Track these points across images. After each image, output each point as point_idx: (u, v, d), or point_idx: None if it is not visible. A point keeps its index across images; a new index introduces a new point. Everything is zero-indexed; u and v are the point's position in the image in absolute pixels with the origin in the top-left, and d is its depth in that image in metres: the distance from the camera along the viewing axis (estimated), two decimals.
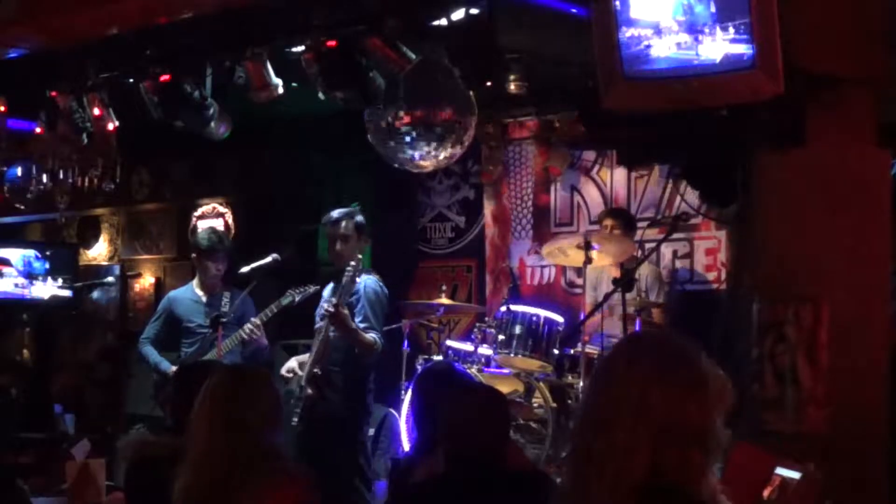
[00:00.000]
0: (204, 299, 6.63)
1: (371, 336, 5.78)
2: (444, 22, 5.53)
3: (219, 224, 9.09)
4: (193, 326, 6.58)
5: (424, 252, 8.49)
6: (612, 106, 4.26)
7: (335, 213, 6.08)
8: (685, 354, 2.06)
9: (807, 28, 3.98)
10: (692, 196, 6.28)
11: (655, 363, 2.03)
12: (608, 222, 6.65)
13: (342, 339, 5.83)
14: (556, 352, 6.40)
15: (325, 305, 5.83)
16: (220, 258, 6.64)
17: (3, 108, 7.17)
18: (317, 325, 6.01)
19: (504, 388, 6.32)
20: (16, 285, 9.44)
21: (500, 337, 6.42)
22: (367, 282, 5.94)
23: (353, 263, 5.76)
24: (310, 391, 5.82)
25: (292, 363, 6.08)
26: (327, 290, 6.14)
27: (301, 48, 5.82)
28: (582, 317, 6.23)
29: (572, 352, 6.41)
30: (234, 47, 6.09)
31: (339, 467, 5.85)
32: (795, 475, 3.36)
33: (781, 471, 3.38)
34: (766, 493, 3.34)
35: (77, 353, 10.08)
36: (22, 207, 8.62)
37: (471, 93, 5.86)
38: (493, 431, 3.41)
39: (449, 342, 6.95)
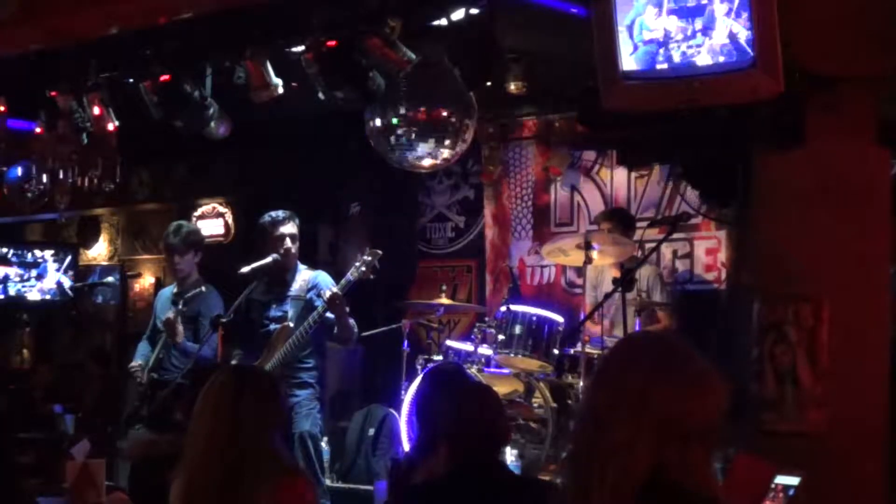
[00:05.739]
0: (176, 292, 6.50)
1: (352, 320, 6.00)
2: (444, 22, 5.53)
3: (219, 224, 9.08)
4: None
5: (424, 252, 8.49)
6: (612, 106, 4.26)
7: (280, 213, 6.10)
8: (683, 352, 2.06)
9: (807, 28, 3.98)
10: (692, 196, 6.28)
11: (654, 361, 2.03)
12: (605, 225, 6.62)
13: (305, 338, 5.86)
14: (556, 352, 6.40)
15: (327, 292, 5.79)
16: (172, 251, 6.50)
17: (3, 108, 7.16)
18: (271, 327, 6.02)
19: (504, 388, 6.34)
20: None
21: (500, 337, 6.41)
22: (325, 276, 6.10)
23: (367, 257, 5.79)
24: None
25: None
26: (258, 292, 6.15)
27: (301, 48, 5.82)
28: (582, 317, 6.23)
29: (572, 352, 6.40)
30: (234, 47, 6.09)
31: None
32: (795, 481, 3.35)
33: (781, 479, 3.37)
34: (766, 502, 3.34)
35: (76, 354, 10.07)
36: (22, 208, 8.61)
37: (471, 93, 5.86)
38: (495, 433, 3.41)
39: (449, 342, 6.95)
